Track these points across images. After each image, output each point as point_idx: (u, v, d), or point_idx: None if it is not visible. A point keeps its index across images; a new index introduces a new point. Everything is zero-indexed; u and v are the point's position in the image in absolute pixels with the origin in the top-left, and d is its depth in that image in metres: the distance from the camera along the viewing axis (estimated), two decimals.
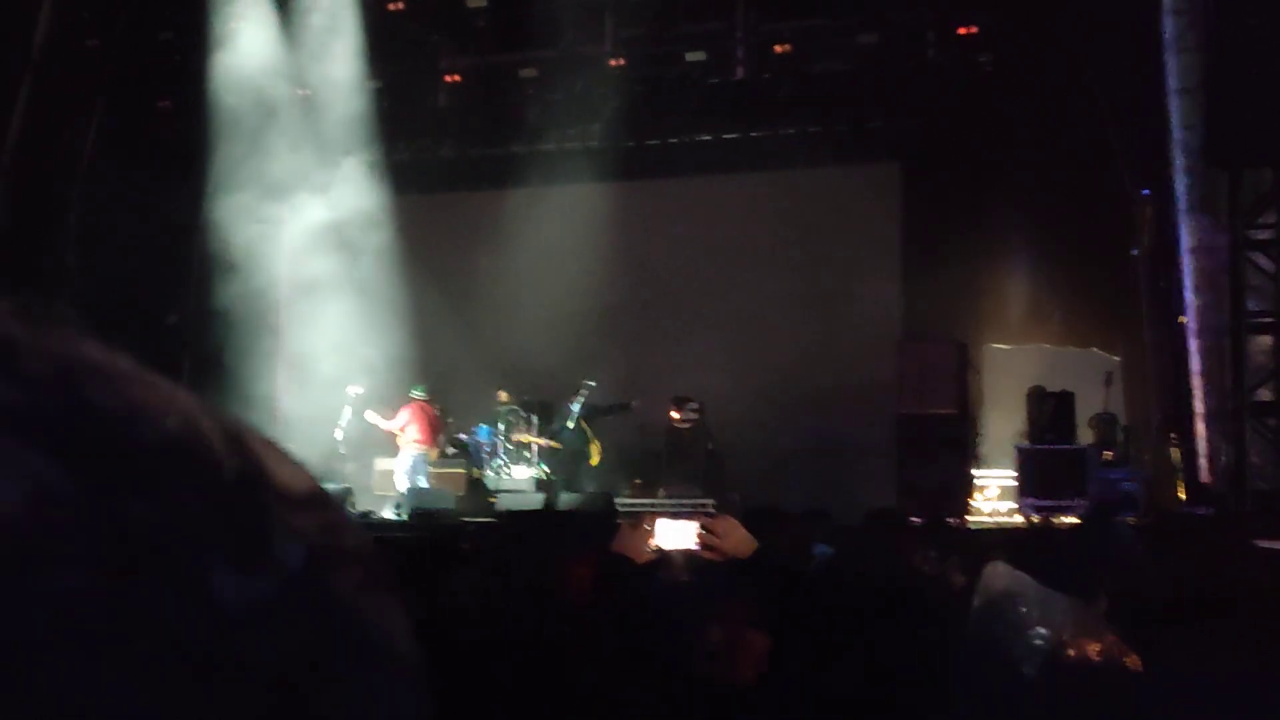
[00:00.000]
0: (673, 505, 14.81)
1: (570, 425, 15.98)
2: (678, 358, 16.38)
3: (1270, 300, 12.33)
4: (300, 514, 0.51)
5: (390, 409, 15.50)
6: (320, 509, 0.53)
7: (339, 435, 15.80)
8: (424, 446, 15.37)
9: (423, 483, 15.16)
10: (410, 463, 15.24)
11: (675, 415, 15.46)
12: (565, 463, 15.79)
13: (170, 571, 0.46)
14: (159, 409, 0.50)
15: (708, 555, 3.18)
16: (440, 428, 15.71)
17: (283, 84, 16.70)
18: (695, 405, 15.46)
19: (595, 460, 15.78)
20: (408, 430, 15.33)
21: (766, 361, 16.05)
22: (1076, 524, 10.10)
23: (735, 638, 2.84)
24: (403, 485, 15.09)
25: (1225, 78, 11.60)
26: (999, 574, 2.53)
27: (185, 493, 0.48)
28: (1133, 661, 2.13)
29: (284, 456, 0.54)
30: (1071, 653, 2.12)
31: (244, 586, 0.47)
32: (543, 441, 15.79)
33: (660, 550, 3.34)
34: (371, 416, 15.49)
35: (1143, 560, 3.50)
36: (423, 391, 15.54)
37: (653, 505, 14.95)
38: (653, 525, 3.33)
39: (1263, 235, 12.21)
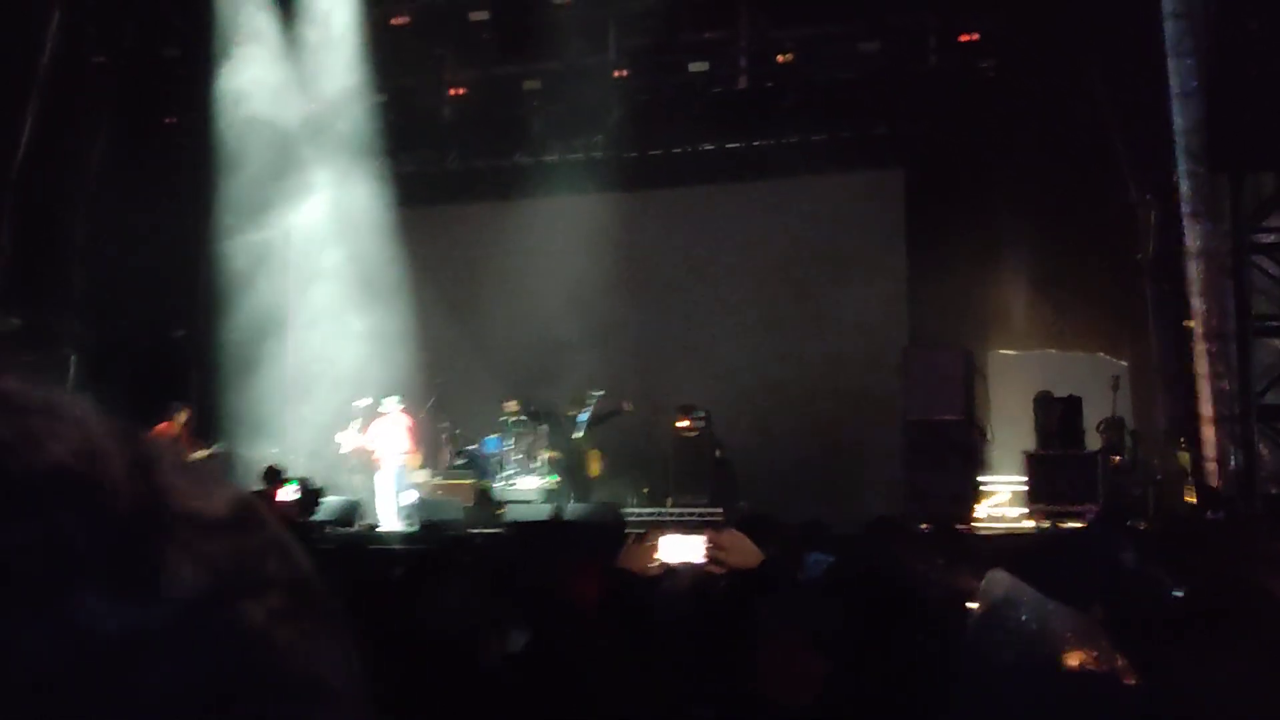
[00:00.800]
0: (680, 514, 14.83)
1: (579, 435, 16.01)
2: (684, 367, 16.40)
3: (1276, 303, 12.31)
4: (209, 541, 0.50)
5: (365, 426, 15.44)
6: (235, 534, 0.51)
7: (346, 448, 15.83)
8: (405, 457, 15.30)
9: (407, 495, 15.13)
10: (393, 476, 15.20)
11: (682, 424, 15.47)
12: (567, 474, 15.76)
13: (33, 600, 0.45)
14: (54, 438, 0.49)
15: (714, 569, 3.20)
16: (420, 435, 15.62)
17: (288, 99, 16.78)
18: (702, 414, 15.47)
19: (595, 471, 15.74)
20: (384, 444, 15.29)
21: (773, 369, 16.06)
22: (1073, 531, 10.09)
23: (791, 659, 2.85)
24: (387, 501, 15.01)
25: (1226, 81, 11.60)
26: (998, 581, 2.55)
27: (67, 521, 0.47)
28: (1128, 670, 2.15)
29: (203, 482, 0.53)
30: (1070, 661, 2.14)
31: (127, 615, 0.46)
32: (550, 453, 15.77)
33: (665, 565, 3.35)
34: (342, 437, 15.43)
35: (1139, 567, 3.51)
36: (398, 403, 15.46)
37: (660, 515, 14.96)
38: (657, 540, 3.34)
39: (1267, 239, 12.19)
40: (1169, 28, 12.16)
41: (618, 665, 3.07)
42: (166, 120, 17.70)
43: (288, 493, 12.32)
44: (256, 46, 16.64)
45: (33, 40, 15.82)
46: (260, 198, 16.73)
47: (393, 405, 15.33)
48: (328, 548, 11.60)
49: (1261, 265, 12.15)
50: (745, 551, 3.20)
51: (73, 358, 16.45)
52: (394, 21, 16.85)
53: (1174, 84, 12.17)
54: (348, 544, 12.76)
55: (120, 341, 16.26)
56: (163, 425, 15.82)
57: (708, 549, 3.25)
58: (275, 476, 12.35)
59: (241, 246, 16.73)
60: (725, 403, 15.67)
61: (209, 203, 17.26)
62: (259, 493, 12.20)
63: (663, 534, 3.37)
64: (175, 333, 17.52)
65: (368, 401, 15.65)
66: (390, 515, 14.96)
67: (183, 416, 15.01)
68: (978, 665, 2.32)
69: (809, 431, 15.70)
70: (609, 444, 15.95)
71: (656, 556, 3.32)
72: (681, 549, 3.31)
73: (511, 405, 16.16)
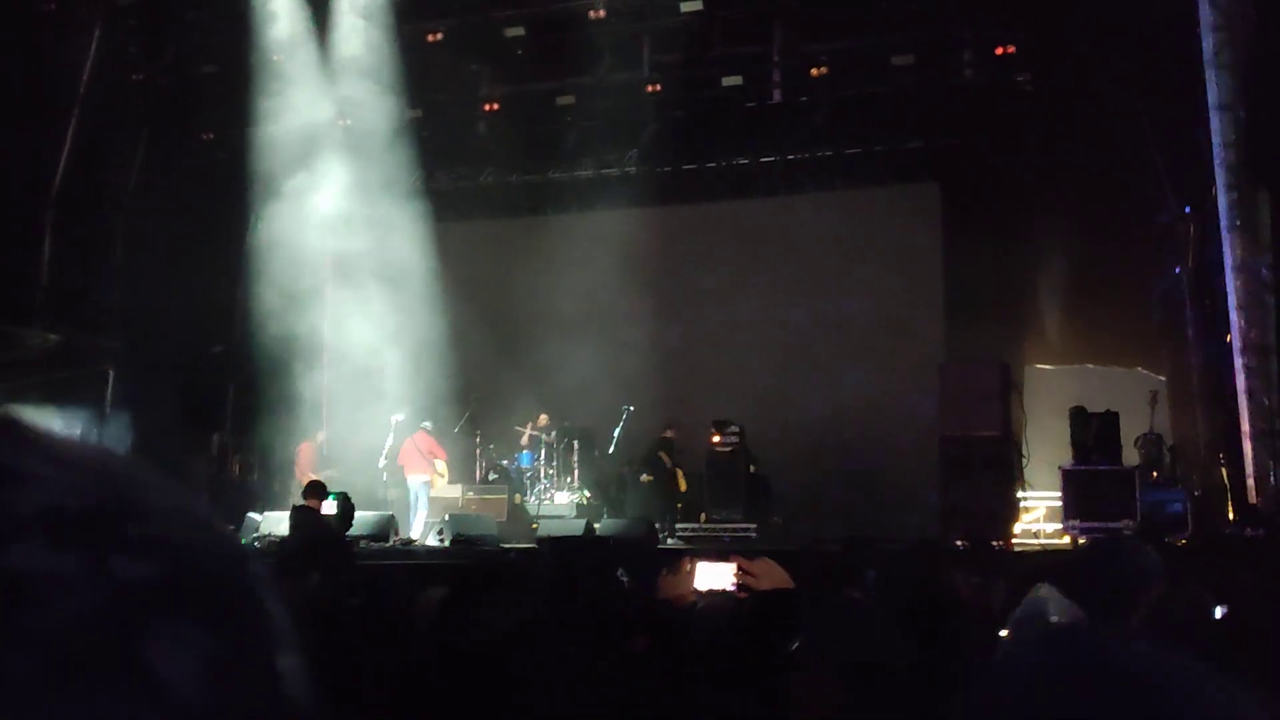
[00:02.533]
0: (713, 530, 14.79)
1: (611, 451, 16.01)
2: (718, 381, 16.37)
3: None
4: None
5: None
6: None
7: (382, 463, 15.94)
8: (423, 475, 15.60)
9: (419, 511, 15.47)
10: (411, 493, 15.54)
11: (715, 439, 15.43)
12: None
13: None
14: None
15: (745, 596, 3.19)
16: (437, 455, 15.81)
17: (324, 115, 16.90)
18: (735, 429, 15.42)
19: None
20: (406, 462, 15.62)
21: (807, 384, 16.01)
22: (1094, 542, 9.96)
23: (815, 686, 2.84)
24: (416, 516, 15.33)
25: (1265, 94, 11.49)
26: (1043, 598, 2.53)
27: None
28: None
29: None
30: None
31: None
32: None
33: (699, 592, 3.35)
34: (387, 451, 15.81)
35: (1167, 580, 3.47)
36: (428, 423, 15.77)
37: (694, 530, 14.94)
38: (693, 567, 3.33)
39: None
40: (1207, 40, 12.06)
41: (655, 688, 3.07)
42: (204, 136, 17.87)
43: (328, 507, 12.40)
44: (293, 62, 16.77)
45: (73, 58, 16.03)
46: (297, 213, 16.85)
47: (426, 425, 15.61)
48: (364, 563, 11.66)
49: None
50: (776, 579, 3.19)
51: (111, 373, 16.62)
52: (429, 38, 16.95)
53: (1212, 97, 12.06)
54: (380, 559, 12.82)
55: (159, 357, 16.41)
56: (304, 445, 16.22)
57: (738, 576, 3.24)
58: (319, 491, 12.44)
59: (278, 262, 16.85)
60: (759, 417, 15.62)
61: (246, 218, 17.41)
62: (303, 507, 12.29)
63: (696, 562, 3.36)
64: (214, 347, 17.66)
65: (402, 417, 15.81)
66: (418, 530, 15.14)
67: (320, 436, 16.13)
68: (1011, 676, 2.30)
69: (844, 446, 15.63)
70: (639, 458, 15.93)
71: (694, 584, 3.32)
72: (715, 576, 3.31)
73: (542, 419, 16.20)
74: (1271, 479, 11.95)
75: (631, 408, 15.81)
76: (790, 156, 16.83)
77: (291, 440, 16.54)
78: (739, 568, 3.19)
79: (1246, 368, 12.12)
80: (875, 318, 16.29)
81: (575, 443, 16.16)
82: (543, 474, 16.09)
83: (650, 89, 16.64)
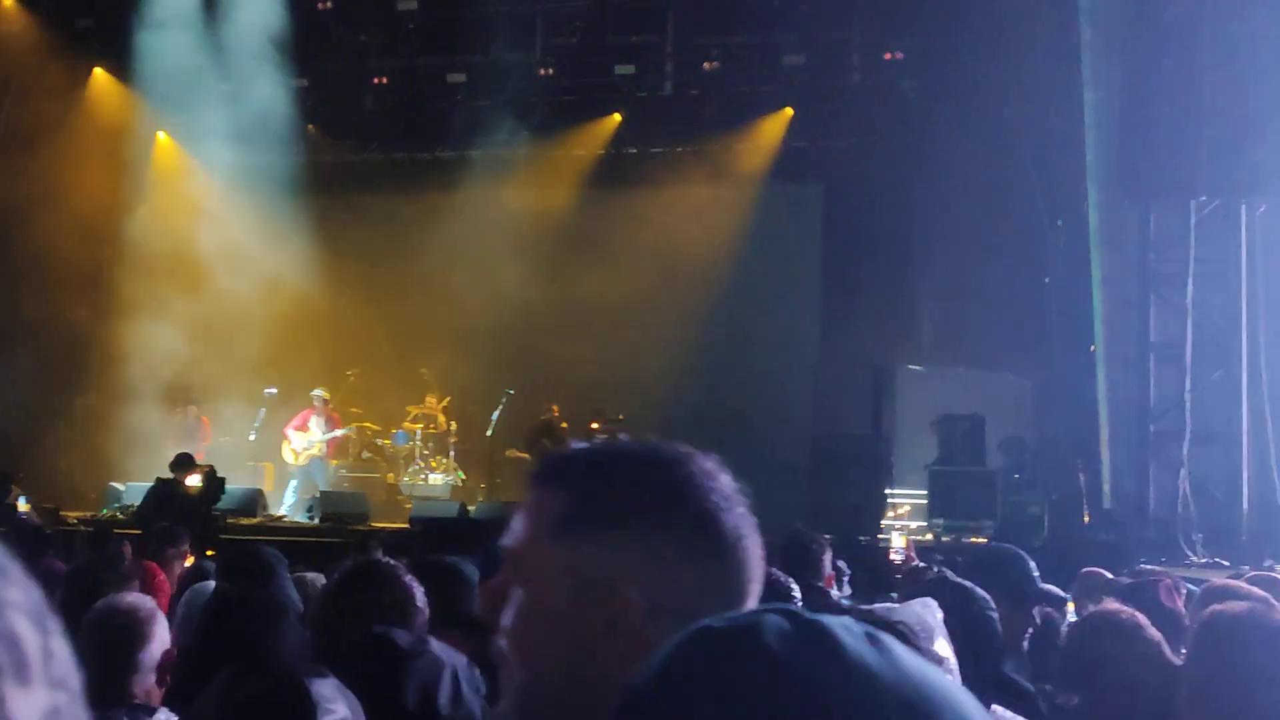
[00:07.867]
0: None
1: (489, 433, 15.94)
2: (599, 370, 16.35)
3: (1175, 332, 12.61)
4: None
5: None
6: None
7: (252, 437, 15.66)
8: (295, 449, 15.70)
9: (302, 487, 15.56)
10: (293, 467, 15.77)
11: (595, 426, 15.44)
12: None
13: None
14: None
15: None
16: (305, 429, 15.73)
17: (206, 78, 16.43)
18: (616, 417, 15.46)
19: None
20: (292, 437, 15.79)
21: (685, 379, 16.08)
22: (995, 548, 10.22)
23: None
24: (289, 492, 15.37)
25: (1138, 116, 11.91)
26: None
27: None
28: None
29: None
30: None
31: None
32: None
33: None
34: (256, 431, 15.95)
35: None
36: (320, 392, 15.73)
37: None
38: None
39: (1169, 269, 12.49)
40: (1086, 61, 12.45)
41: None
42: (79, 93, 17.25)
43: (194, 481, 12.16)
44: (175, 25, 16.22)
45: None
46: (170, 176, 16.40)
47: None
48: (227, 538, 11.43)
49: (1163, 294, 12.46)
50: None
51: None
52: (319, 5, 16.60)
53: (1088, 114, 12.47)
54: (246, 535, 12.59)
55: (20, 320, 15.89)
56: (175, 418, 15.83)
57: None
58: (186, 465, 12.19)
59: (148, 226, 16.41)
60: (637, 409, 15.65)
61: (119, 178, 16.90)
62: (169, 480, 12.03)
63: None
64: (77, 311, 17.09)
65: (274, 391, 15.56)
66: (293, 506, 14.95)
67: (193, 410, 15.83)
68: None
69: (719, 442, 15.49)
70: (519, 444, 15.88)
71: None
72: None
73: (431, 400, 16.07)
74: (1126, 486, 12.42)
75: (511, 390, 15.73)
76: (679, 149, 16.89)
77: (158, 410, 16.13)
78: None
79: (1108, 377, 12.57)
80: (753, 315, 16.43)
81: (452, 424, 16.04)
82: (418, 454, 15.93)
83: (542, 72, 16.57)
